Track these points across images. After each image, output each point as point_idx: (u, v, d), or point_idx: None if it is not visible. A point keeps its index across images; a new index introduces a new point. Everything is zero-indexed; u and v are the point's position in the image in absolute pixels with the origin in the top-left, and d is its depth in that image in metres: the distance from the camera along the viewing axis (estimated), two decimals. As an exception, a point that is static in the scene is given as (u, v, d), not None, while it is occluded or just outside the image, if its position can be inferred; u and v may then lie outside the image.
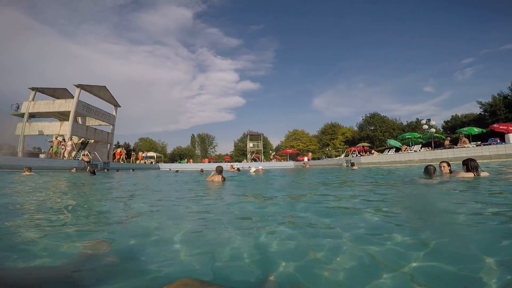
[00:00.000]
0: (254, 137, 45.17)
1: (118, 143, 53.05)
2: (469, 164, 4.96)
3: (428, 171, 4.92)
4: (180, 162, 40.24)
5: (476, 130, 17.44)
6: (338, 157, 28.39)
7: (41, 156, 25.09)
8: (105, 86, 27.70)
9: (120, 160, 27.98)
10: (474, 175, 4.83)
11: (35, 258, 1.44)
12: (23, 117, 24.04)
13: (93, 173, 11.73)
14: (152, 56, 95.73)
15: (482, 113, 34.95)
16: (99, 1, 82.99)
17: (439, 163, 5.64)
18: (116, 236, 1.89)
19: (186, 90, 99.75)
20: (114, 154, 29.23)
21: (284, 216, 2.12)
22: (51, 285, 1.08)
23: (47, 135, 25.38)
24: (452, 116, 42.57)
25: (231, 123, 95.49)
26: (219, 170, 6.66)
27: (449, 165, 5.43)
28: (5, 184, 5.80)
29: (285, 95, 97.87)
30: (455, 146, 15.09)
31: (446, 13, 73.24)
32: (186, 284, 0.66)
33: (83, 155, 23.38)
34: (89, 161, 21.47)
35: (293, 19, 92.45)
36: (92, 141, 27.76)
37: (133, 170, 21.88)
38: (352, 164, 13.51)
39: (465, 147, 13.98)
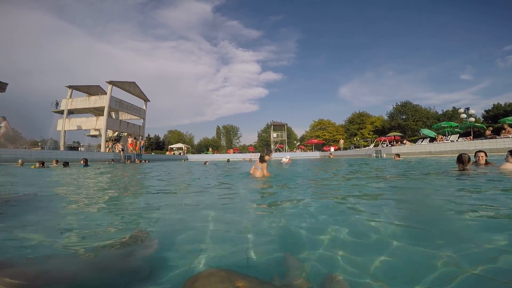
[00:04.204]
0: (278, 127, 44.83)
1: (148, 135, 55.61)
2: None
3: (462, 159, 4.48)
4: (205, 153, 41.24)
5: (521, 119, 15.82)
6: (367, 147, 27.40)
7: (81, 149, 27.11)
8: (134, 82, 28.94)
9: (133, 151, 25.29)
10: None
11: (77, 248, 1.53)
12: (62, 113, 25.97)
13: (66, 165, 11.02)
14: (177, 51, 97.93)
15: (529, 101, 31.49)
16: (120, 0, 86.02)
17: (474, 153, 5.25)
18: (154, 225, 1.99)
19: (211, 83, 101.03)
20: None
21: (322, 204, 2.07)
22: (91, 273, 1.15)
23: (85, 129, 27.20)
24: (493, 105, 39.07)
25: (255, 114, 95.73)
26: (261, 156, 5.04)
27: (486, 155, 5.05)
28: (39, 174, 6.34)
29: (309, 85, 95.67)
30: (497, 136, 13.89)
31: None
32: (211, 273, 0.69)
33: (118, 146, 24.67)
34: (123, 149, 22.78)
35: (314, 7, 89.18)
36: (126, 134, 29.35)
37: (148, 161, 22.71)
38: (397, 155, 12.66)
39: (509, 137, 12.83)
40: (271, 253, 1.37)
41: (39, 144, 30.58)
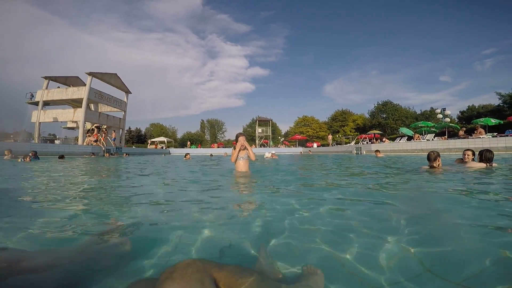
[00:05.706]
0: (263, 122, 44.86)
1: (129, 128, 53.99)
2: (484, 155, 4.84)
3: (428, 157, 4.77)
4: (191, 147, 40.58)
5: (493, 121, 16.90)
6: (348, 144, 28.10)
7: (56, 142, 25.95)
8: (115, 74, 27.89)
9: (100, 144, 23.28)
10: (486, 166, 4.73)
11: (50, 239, 1.54)
12: (37, 105, 24.66)
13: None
14: (162, 43, 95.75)
15: (501, 104, 32.92)
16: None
17: (463, 151, 5.37)
18: (130, 218, 1.99)
19: (197, 76, 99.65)
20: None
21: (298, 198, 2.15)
22: (66, 264, 1.14)
23: (61, 121, 26.03)
24: (468, 106, 41.27)
25: (240, 108, 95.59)
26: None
27: (474, 154, 5.23)
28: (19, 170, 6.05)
29: (295, 81, 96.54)
30: (470, 136, 14.71)
31: (467, 4, 71.33)
32: (189, 264, 0.70)
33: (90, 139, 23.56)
34: (96, 140, 22.00)
35: (305, 4, 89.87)
36: (105, 127, 28.34)
37: (127, 154, 22.40)
38: (377, 151, 12.79)
39: (480, 137, 13.59)
40: (248, 245, 1.42)
41: (11, 136, 28.92)
